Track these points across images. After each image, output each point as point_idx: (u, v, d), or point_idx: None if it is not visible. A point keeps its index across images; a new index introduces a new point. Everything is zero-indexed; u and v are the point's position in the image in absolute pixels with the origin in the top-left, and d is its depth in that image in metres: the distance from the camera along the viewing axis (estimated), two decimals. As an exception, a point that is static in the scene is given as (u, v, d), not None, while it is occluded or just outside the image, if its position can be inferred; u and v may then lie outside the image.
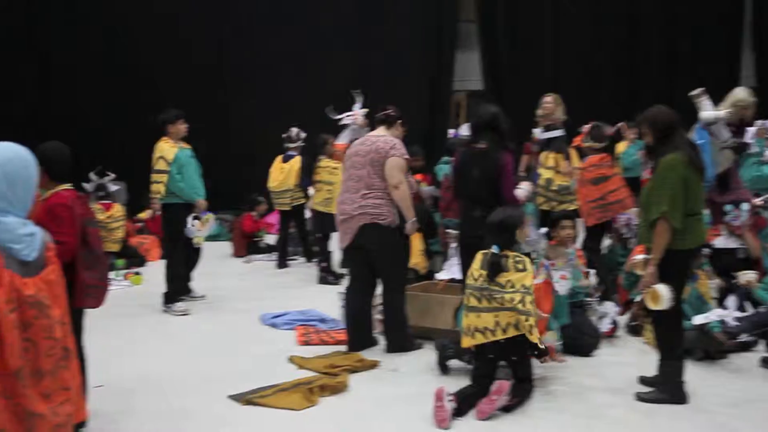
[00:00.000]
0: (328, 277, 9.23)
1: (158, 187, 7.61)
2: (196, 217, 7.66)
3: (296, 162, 9.85)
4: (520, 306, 4.80)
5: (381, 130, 6.24)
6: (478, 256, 5.07)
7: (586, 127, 7.73)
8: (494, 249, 4.95)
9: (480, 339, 4.91)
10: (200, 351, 6.38)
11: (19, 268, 2.60)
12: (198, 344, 6.60)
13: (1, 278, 2.50)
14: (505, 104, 14.03)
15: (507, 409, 4.75)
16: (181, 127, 7.72)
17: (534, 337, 4.83)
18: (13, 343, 2.51)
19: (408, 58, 14.84)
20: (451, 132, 10.06)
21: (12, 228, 2.59)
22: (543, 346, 4.98)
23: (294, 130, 10.09)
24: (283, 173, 9.96)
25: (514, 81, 14.77)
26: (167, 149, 7.61)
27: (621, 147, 9.27)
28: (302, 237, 10.55)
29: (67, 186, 4.48)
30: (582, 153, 7.95)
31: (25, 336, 2.57)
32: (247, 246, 11.47)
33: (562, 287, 5.81)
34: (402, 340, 6.16)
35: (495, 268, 4.90)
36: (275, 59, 14.54)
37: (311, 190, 10.09)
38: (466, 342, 5.01)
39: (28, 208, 2.70)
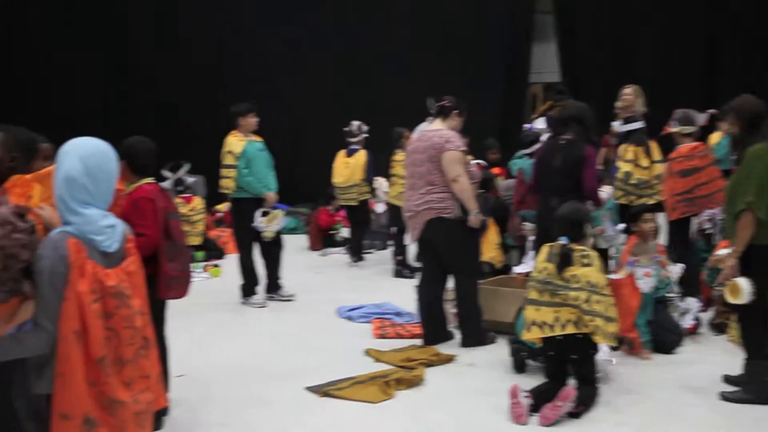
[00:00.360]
0: (403, 270, 9.23)
1: (227, 182, 7.67)
2: (265, 213, 7.64)
3: (361, 156, 9.66)
4: (585, 305, 4.66)
5: (437, 123, 6.20)
6: (544, 249, 4.97)
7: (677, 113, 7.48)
8: (563, 241, 4.86)
9: (536, 333, 4.82)
10: (278, 343, 6.45)
11: (101, 259, 2.65)
12: (275, 336, 6.67)
13: (84, 269, 2.56)
14: (583, 96, 13.87)
15: (573, 415, 4.62)
16: (252, 121, 7.74)
17: (600, 338, 4.70)
18: (97, 332, 2.56)
19: (484, 51, 14.70)
20: (526, 126, 9.91)
21: (94, 220, 2.65)
22: (610, 346, 4.85)
23: (355, 124, 9.82)
24: (348, 168, 9.69)
25: (592, 72, 14.49)
26: (235, 143, 7.65)
27: (714, 138, 8.90)
28: (361, 233, 10.34)
29: (150, 180, 4.58)
30: (672, 143, 7.69)
31: (108, 325, 2.62)
32: (323, 239, 11.54)
33: (645, 284, 5.68)
34: (476, 334, 6.12)
35: (564, 259, 4.78)
36: (343, 53, 14.56)
37: (383, 184, 10.08)
38: (525, 335, 4.94)
39: (108, 201, 2.75)
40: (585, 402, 4.69)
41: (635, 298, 5.68)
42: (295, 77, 14.46)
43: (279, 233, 7.83)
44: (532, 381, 5.06)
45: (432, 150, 5.96)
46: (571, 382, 4.75)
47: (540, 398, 4.66)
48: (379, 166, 9.67)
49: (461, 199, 5.95)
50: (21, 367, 3.42)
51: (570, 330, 4.71)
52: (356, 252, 10.18)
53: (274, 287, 7.99)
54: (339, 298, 7.91)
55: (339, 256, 10.93)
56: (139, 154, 4.56)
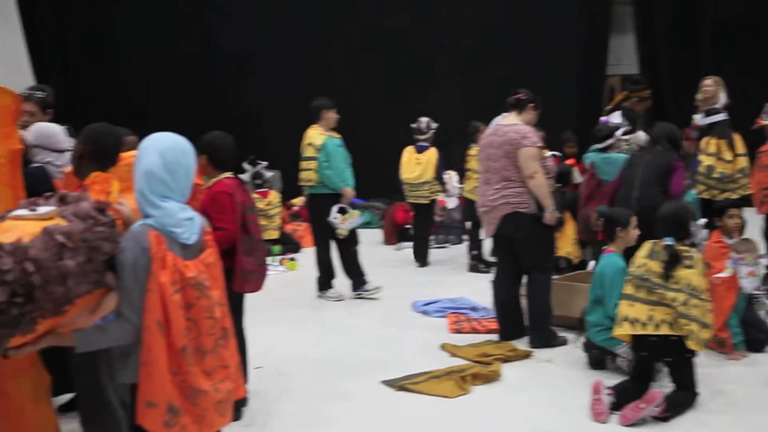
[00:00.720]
0: (479, 265, 9.17)
1: (308, 174, 7.64)
2: (341, 210, 7.59)
3: (432, 153, 9.37)
4: (681, 308, 4.51)
5: (512, 117, 6.09)
6: (646, 245, 4.82)
7: None
8: (668, 241, 4.70)
9: (627, 329, 4.68)
10: (354, 336, 6.48)
11: (180, 251, 2.69)
12: (351, 330, 6.70)
13: (165, 260, 2.60)
14: (662, 88, 13.55)
15: (662, 418, 4.48)
16: (333, 116, 7.73)
17: (692, 344, 4.54)
18: (178, 322, 2.61)
19: (561, 42, 14.48)
20: (602, 119, 9.69)
21: (173, 213, 2.69)
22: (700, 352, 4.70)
23: (424, 121, 9.50)
24: (420, 165, 9.34)
25: (672, 64, 14.14)
26: (316, 136, 7.64)
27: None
28: (425, 233, 9.97)
29: (229, 174, 4.64)
30: (763, 136, 7.45)
31: (188, 316, 2.66)
32: (398, 234, 11.54)
33: (750, 283, 5.50)
34: (545, 334, 6.02)
35: (673, 260, 4.60)
36: (418, 45, 14.51)
37: (454, 178, 10.00)
38: (615, 330, 4.81)
39: (187, 194, 2.79)
40: (676, 407, 4.53)
41: (730, 297, 5.50)
42: (370, 70, 14.48)
43: (354, 230, 7.77)
44: (611, 378, 4.96)
45: (508, 146, 5.88)
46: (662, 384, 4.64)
47: (623, 397, 4.56)
48: (449, 160, 9.60)
49: (537, 196, 5.86)
50: (107, 357, 3.52)
51: (664, 331, 4.56)
52: (423, 255, 9.80)
53: (359, 284, 7.88)
54: (414, 292, 7.90)
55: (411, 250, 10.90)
56: (219, 148, 4.62)
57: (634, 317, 4.65)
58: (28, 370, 3.42)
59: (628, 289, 4.77)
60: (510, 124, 6.03)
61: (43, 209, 2.55)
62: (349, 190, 7.65)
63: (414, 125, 9.46)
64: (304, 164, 7.68)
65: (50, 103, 5.08)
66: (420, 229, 9.92)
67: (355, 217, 7.66)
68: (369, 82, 14.39)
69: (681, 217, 4.81)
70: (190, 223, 2.76)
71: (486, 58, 14.25)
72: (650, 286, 4.64)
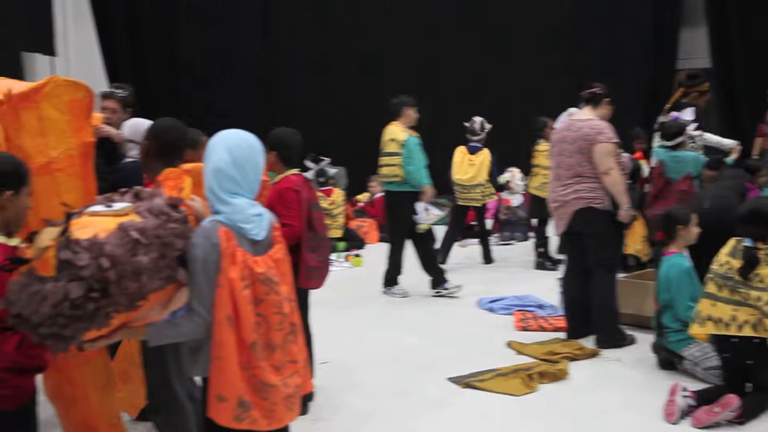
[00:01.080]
0: (545, 262, 9.07)
1: (392, 170, 7.56)
2: (427, 208, 7.54)
3: (485, 155, 9.05)
4: (766, 308, 4.36)
5: (586, 111, 5.98)
6: (731, 242, 4.66)
7: None
8: (746, 243, 4.53)
9: (710, 329, 4.57)
10: (419, 333, 6.47)
11: (249, 246, 2.72)
12: (417, 326, 6.69)
13: (234, 256, 2.63)
14: (736, 83, 13.17)
15: (737, 422, 4.35)
16: (413, 114, 7.67)
17: None
18: (248, 317, 2.63)
19: (629, 35, 14.21)
20: (673, 114, 9.44)
21: (242, 209, 2.72)
22: None
23: (478, 120, 9.14)
24: (473, 167, 9.00)
25: (746, 58, 13.74)
26: (399, 132, 7.58)
27: None
28: (483, 235, 9.78)
29: (296, 170, 4.67)
30: None
31: (257, 311, 2.68)
32: (463, 231, 11.46)
33: None
34: (611, 335, 5.91)
35: (751, 262, 4.45)
36: (477, 41, 14.40)
37: (518, 175, 9.89)
38: (695, 330, 4.70)
39: (255, 190, 2.82)
40: (752, 411, 4.40)
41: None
42: (431, 67, 14.41)
43: (430, 227, 7.73)
44: (681, 380, 4.86)
45: (582, 141, 5.78)
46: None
47: (703, 400, 4.45)
48: (511, 157, 9.49)
49: (612, 193, 5.74)
50: (176, 351, 3.59)
51: (747, 332, 4.43)
52: (489, 256, 9.63)
53: (439, 282, 7.82)
54: (479, 289, 7.86)
55: (478, 247, 10.83)
56: (288, 144, 4.65)
57: (718, 317, 4.53)
58: (93, 359, 3.50)
59: (710, 288, 4.64)
60: (584, 119, 5.92)
61: (118, 205, 2.60)
62: (429, 188, 7.59)
63: (467, 124, 9.16)
64: (385, 160, 7.62)
65: (131, 101, 5.21)
66: (481, 228, 9.76)
67: (437, 216, 7.68)
68: (430, 80, 14.32)
69: (760, 215, 4.60)
70: (259, 219, 2.78)
71: (551, 54, 14.08)
72: (733, 285, 4.50)
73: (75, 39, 13.22)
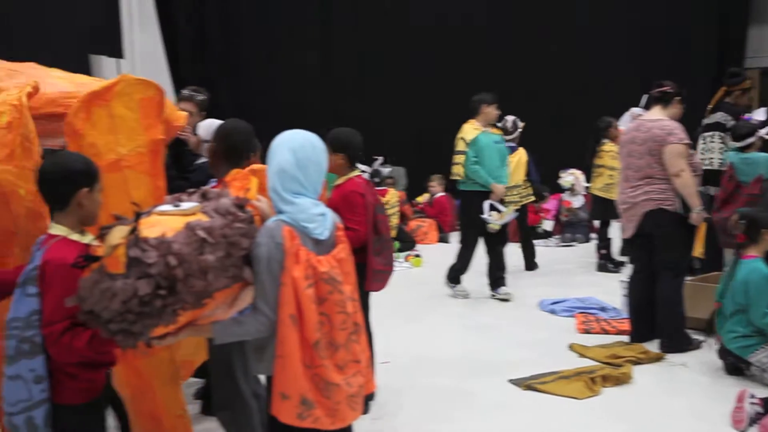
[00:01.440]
0: (607, 264, 8.94)
1: (457, 169, 7.57)
2: (493, 206, 7.50)
3: (522, 155, 8.76)
4: None
5: (656, 111, 5.85)
6: None
7: None
8: None
9: None
10: (479, 334, 6.44)
11: (312, 246, 2.73)
12: (477, 327, 6.66)
13: (298, 255, 2.65)
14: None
15: None
16: (492, 112, 7.60)
17: None
18: (311, 316, 2.64)
19: (693, 34, 13.89)
20: (745, 116, 9.17)
21: (305, 208, 2.74)
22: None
23: (510, 119, 8.76)
24: (515, 169, 8.58)
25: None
26: (469, 131, 7.55)
27: None
28: (526, 240, 9.46)
29: (358, 172, 4.68)
30: None
31: (321, 310, 2.69)
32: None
33: None
34: (677, 339, 5.79)
35: None
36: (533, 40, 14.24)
37: (580, 177, 9.70)
38: None
39: (318, 190, 2.84)
40: None
41: None
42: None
43: (504, 228, 7.66)
44: (749, 386, 4.75)
45: (652, 143, 5.67)
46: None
47: None
48: (575, 156, 9.33)
49: (683, 195, 5.63)
50: (241, 349, 3.63)
51: None
52: (531, 261, 9.27)
53: (496, 284, 7.77)
54: (540, 291, 7.81)
55: (540, 248, 10.72)
56: (355, 146, 4.65)
57: None
58: (159, 353, 3.55)
59: None
60: (654, 119, 5.80)
61: (186, 205, 2.64)
62: (499, 187, 7.51)
63: (499, 124, 8.39)
64: (455, 158, 7.60)
65: (206, 105, 5.32)
66: (523, 233, 9.37)
67: (508, 215, 7.60)
68: (487, 78, 14.18)
69: None
70: (323, 219, 2.80)
71: (615, 53, 13.84)
72: None
73: (141, 42, 13.48)
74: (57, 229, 2.83)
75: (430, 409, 4.81)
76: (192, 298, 2.47)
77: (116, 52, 12.54)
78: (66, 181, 2.80)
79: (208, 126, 4.69)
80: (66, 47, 11.30)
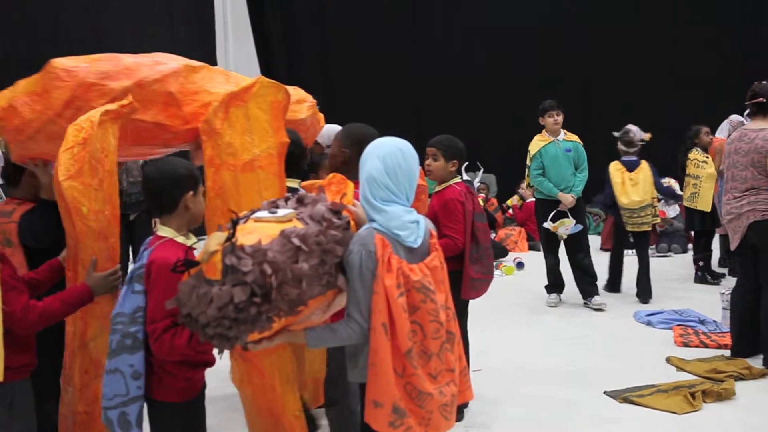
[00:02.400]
0: (706, 275, 8.65)
1: (527, 180, 7.71)
2: (556, 215, 7.44)
3: (646, 168, 7.75)
4: None
5: (759, 121, 5.63)
6: None
7: None
8: None
9: None
10: (573, 344, 6.32)
11: (405, 254, 2.72)
12: (570, 337, 6.54)
13: (390, 263, 2.64)
14: None
15: None
16: (550, 121, 7.53)
17: None
18: (403, 325, 2.63)
19: (716, 33, 13.39)
20: None
21: (397, 216, 2.73)
22: None
23: (634, 129, 7.81)
24: (637, 186, 7.67)
25: None
26: (533, 143, 7.62)
27: None
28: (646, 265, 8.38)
29: (459, 179, 4.65)
30: None
31: (413, 319, 2.68)
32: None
33: None
34: None
35: None
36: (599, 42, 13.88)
37: (675, 186, 9.39)
38: None
39: (411, 197, 2.82)
40: None
41: None
42: (579, 71, 14.03)
43: (579, 235, 7.52)
44: None
45: (755, 154, 5.46)
46: None
47: None
48: (668, 165, 9.02)
49: None
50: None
51: None
52: (646, 290, 7.96)
53: (587, 293, 7.64)
54: (636, 302, 7.62)
55: (632, 257, 10.45)
56: (463, 153, 4.65)
57: None
58: (281, 351, 3.61)
59: None
60: (757, 129, 5.59)
61: (281, 212, 2.67)
62: (566, 196, 7.43)
63: (617, 134, 7.88)
64: (528, 170, 7.69)
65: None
66: (641, 260, 8.27)
67: (568, 225, 7.44)
68: (576, 84, 13.96)
69: None
70: (416, 226, 2.79)
71: (714, 55, 13.41)
72: None
73: (234, 52, 13.81)
74: (164, 231, 2.93)
75: (524, 419, 4.74)
76: (286, 305, 2.49)
77: (211, 61, 12.88)
78: (174, 185, 2.91)
79: (329, 131, 4.73)
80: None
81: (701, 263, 8.69)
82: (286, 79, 13.48)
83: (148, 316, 2.80)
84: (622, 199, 7.66)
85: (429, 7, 14.56)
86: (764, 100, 5.59)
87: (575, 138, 7.72)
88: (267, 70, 13.85)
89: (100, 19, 10.39)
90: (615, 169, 7.77)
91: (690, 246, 10.35)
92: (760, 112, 5.63)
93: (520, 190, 12.12)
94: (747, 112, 6.24)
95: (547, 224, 7.47)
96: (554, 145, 7.53)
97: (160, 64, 3.67)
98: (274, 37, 14.03)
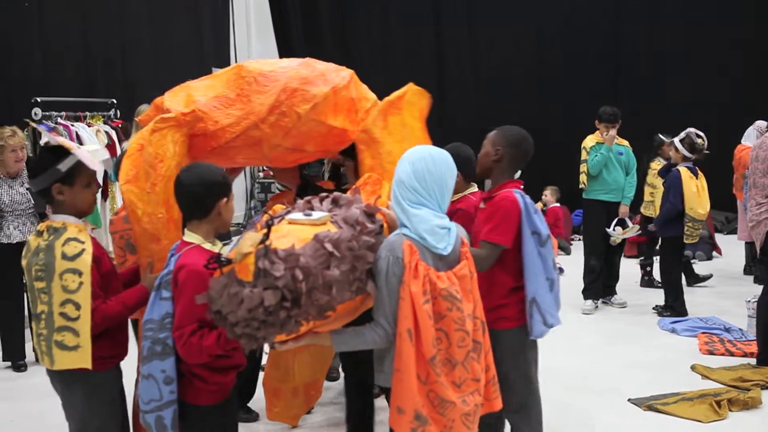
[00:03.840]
0: (653, 280, 8.64)
1: (582, 177, 7.59)
2: (621, 222, 7.49)
3: (702, 180, 7.22)
4: None
5: None
6: None
7: None
8: None
9: None
10: (599, 350, 6.29)
11: (433, 261, 2.72)
12: (595, 343, 6.50)
13: (417, 270, 2.64)
14: None
15: None
16: (601, 127, 7.54)
17: None
18: (427, 332, 2.62)
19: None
20: None
21: (426, 219, 2.73)
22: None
23: (692, 132, 7.28)
24: (706, 193, 7.19)
25: None
26: (588, 139, 7.62)
27: None
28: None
29: (474, 189, 4.62)
30: None
31: (438, 326, 2.67)
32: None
33: None
34: None
35: None
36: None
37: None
38: None
39: (444, 206, 2.82)
40: None
41: None
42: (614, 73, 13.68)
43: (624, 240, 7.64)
44: None
45: None
46: None
47: None
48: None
49: None
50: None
51: None
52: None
53: (607, 292, 7.80)
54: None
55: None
56: (468, 161, 4.61)
57: None
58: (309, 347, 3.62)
59: None
60: None
61: (316, 215, 2.67)
62: (622, 206, 7.57)
63: (677, 140, 7.32)
64: (581, 167, 7.62)
65: None
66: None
67: (634, 230, 7.58)
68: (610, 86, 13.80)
69: None
70: (446, 233, 2.78)
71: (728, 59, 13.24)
72: None
73: (257, 52, 13.87)
74: (191, 237, 2.94)
75: (546, 426, 4.65)
76: (315, 310, 2.51)
77: (231, 63, 12.98)
78: (209, 192, 2.92)
79: None
80: (191, 60, 11.76)
81: (648, 268, 8.73)
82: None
83: (175, 322, 2.82)
84: (699, 210, 7.04)
85: (453, 17, 14.51)
86: None
87: (626, 143, 7.73)
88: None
89: (122, 14, 10.48)
90: (688, 176, 7.11)
91: (715, 254, 10.30)
92: None
93: (543, 197, 12.09)
94: None
95: (615, 231, 7.45)
96: (607, 147, 7.49)
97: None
98: (296, 36, 14.08)
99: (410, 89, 3.63)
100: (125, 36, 10.47)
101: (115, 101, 8.71)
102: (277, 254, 2.45)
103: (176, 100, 3.51)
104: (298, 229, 2.60)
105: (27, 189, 6.03)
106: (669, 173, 7.31)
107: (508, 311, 3.50)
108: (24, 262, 3.08)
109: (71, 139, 8.74)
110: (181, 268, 2.82)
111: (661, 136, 8.74)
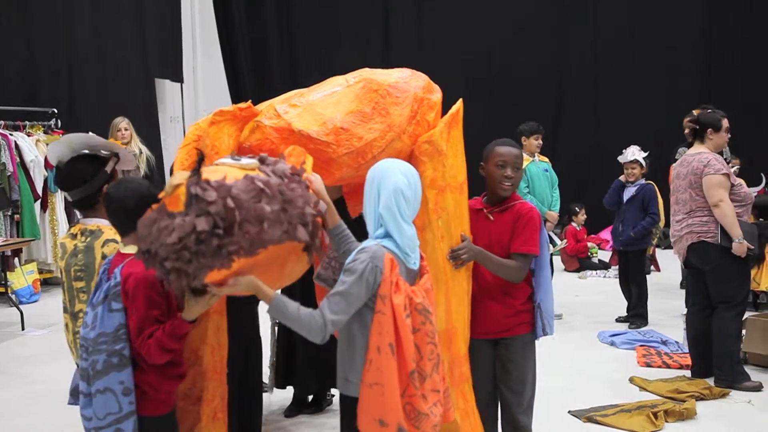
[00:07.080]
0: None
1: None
2: (549, 237, 7.68)
3: None
4: None
5: (697, 146, 5.86)
6: None
7: None
8: None
9: None
10: (538, 362, 6.21)
11: (406, 275, 2.79)
12: (536, 355, 6.59)
13: (398, 285, 2.70)
14: None
15: None
16: (534, 143, 7.73)
17: None
18: (409, 346, 2.70)
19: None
20: None
21: (412, 236, 2.81)
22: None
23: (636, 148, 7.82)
24: None
25: None
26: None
27: None
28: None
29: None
30: None
31: (413, 340, 2.74)
32: (579, 260, 11.21)
33: None
34: (731, 373, 5.70)
35: None
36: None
37: None
38: None
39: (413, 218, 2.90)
40: None
41: None
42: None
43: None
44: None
45: (692, 176, 5.72)
46: None
47: None
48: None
49: (723, 225, 5.59)
50: None
51: None
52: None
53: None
54: (600, 322, 7.77)
55: (597, 278, 10.58)
56: None
57: None
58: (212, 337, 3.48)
59: None
60: (694, 153, 5.83)
61: (245, 160, 2.72)
62: (553, 214, 7.72)
63: (644, 156, 7.71)
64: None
65: None
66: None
67: (562, 245, 7.74)
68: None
69: None
70: (416, 247, 2.85)
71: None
72: None
73: (203, 68, 13.80)
74: (130, 249, 2.93)
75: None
76: (246, 243, 2.50)
77: (177, 76, 12.89)
78: (143, 203, 2.87)
79: None
80: (136, 71, 11.62)
81: None
82: (255, 95, 13.52)
83: (133, 332, 2.81)
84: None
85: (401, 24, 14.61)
86: (696, 126, 5.80)
87: (546, 159, 7.97)
88: (234, 86, 13.85)
89: (70, 33, 10.34)
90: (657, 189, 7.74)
91: (652, 267, 10.57)
92: (697, 137, 5.85)
93: None
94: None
95: (561, 244, 7.67)
96: (535, 164, 7.74)
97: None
98: (241, 50, 14.03)
99: (461, 105, 3.68)
100: (70, 46, 10.33)
101: (56, 111, 8.60)
102: (209, 183, 2.49)
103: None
104: (227, 169, 2.63)
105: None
106: (642, 187, 7.62)
107: (527, 316, 3.75)
108: (62, 264, 3.19)
109: (10, 149, 8.62)
110: (129, 277, 2.82)
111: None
